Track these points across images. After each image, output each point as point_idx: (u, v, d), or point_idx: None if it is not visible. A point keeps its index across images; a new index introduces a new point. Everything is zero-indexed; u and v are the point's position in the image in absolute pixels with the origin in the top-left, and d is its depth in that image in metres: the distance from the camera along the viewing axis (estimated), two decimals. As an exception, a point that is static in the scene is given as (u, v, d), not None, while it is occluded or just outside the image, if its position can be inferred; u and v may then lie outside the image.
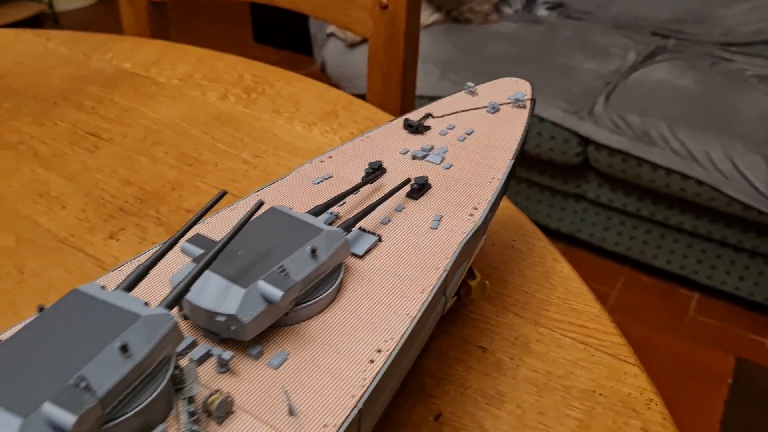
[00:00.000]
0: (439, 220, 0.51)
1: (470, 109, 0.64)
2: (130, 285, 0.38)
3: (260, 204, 0.41)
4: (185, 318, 0.42)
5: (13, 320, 0.61)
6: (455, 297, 0.57)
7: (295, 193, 0.54)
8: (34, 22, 3.71)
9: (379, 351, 0.41)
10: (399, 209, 0.52)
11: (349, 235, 0.48)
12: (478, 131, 0.61)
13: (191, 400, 0.37)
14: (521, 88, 0.66)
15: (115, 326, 0.34)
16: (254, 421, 0.37)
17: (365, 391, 0.39)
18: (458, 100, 0.66)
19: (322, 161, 0.58)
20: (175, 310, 0.43)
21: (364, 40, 2.27)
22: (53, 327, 0.34)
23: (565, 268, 0.67)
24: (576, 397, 0.54)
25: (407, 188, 0.54)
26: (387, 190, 0.53)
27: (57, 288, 0.64)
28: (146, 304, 0.36)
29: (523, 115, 0.63)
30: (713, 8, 2.29)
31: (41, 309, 0.36)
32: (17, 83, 0.99)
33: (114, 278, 0.45)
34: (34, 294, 0.64)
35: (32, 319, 0.35)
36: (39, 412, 0.30)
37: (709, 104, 1.89)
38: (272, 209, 0.46)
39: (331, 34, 2.38)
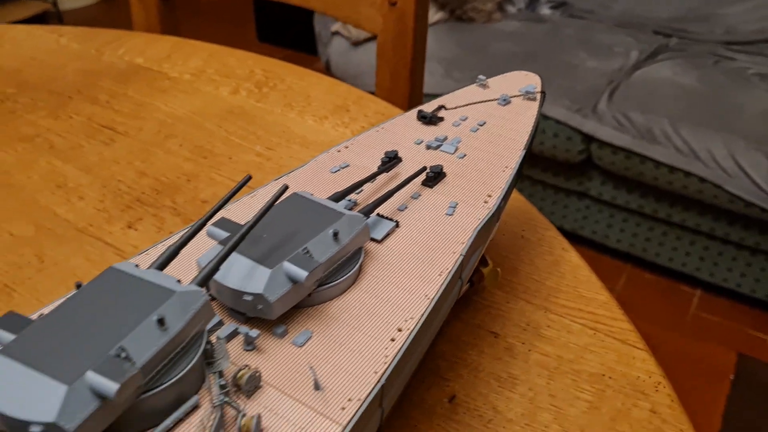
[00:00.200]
0: (455, 207, 0.52)
1: (482, 102, 0.65)
2: (162, 264, 0.40)
3: (285, 188, 0.43)
4: (212, 299, 0.44)
5: (36, 306, 0.63)
6: (468, 284, 0.59)
7: (313, 181, 0.56)
8: (38, 21, 3.73)
9: (400, 330, 0.43)
10: (415, 197, 0.54)
11: (368, 221, 0.50)
12: (490, 122, 0.62)
13: (221, 374, 0.38)
14: (531, 81, 0.68)
15: (152, 301, 0.35)
16: (281, 395, 0.38)
17: (387, 368, 0.40)
18: (470, 92, 0.67)
19: (338, 151, 0.59)
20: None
21: (369, 39, 2.29)
22: (92, 302, 0.35)
23: (573, 257, 0.68)
24: (586, 381, 0.56)
25: (423, 176, 0.55)
26: (403, 178, 0.54)
27: (78, 276, 0.65)
28: (179, 281, 0.37)
29: (533, 108, 0.65)
30: (715, 7, 2.31)
31: (79, 285, 0.37)
32: (32, 78, 1.00)
33: (141, 261, 0.47)
34: (55, 282, 0.65)
35: (71, 294, 0.36)
36: (83, 380, 0.31)
37: (711, 102, 1.90)
38: (295, 195, 0.48)
39: (336, 33, 2.39)
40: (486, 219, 0.51)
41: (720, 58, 2.12)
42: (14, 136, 0.87)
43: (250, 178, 0.45)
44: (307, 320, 0.43)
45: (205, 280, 0.39)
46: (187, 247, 0.45)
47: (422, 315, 0.44)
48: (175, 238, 0.49)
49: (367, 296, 0.45)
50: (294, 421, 0.37)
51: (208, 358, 0.38)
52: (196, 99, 0.95)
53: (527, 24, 2.37)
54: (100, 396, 0.31)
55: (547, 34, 2.31)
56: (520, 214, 0.73)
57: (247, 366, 0.38)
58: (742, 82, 1.96)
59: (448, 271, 0.47)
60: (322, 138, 0.86)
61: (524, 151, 0.59)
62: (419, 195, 0.54)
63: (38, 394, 0.31)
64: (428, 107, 0.64)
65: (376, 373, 0.40)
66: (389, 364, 0.40)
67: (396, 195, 0.53)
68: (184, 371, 0.36)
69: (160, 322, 0.34)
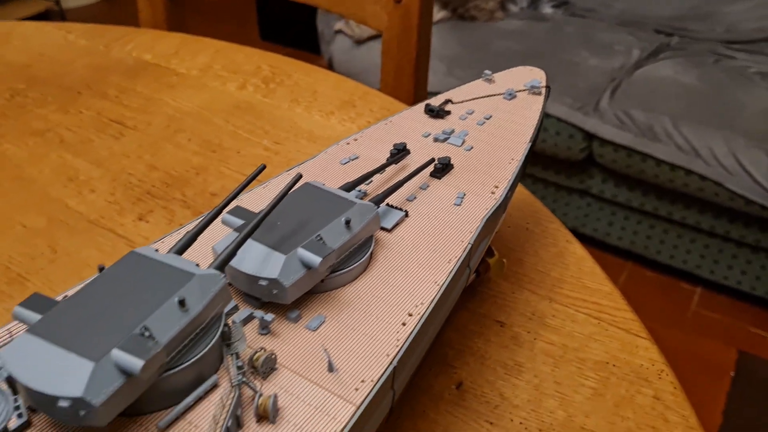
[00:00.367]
0: (462, 198, 0.54)
1: (488, 96, 0.67)
2: (181, 249, 0.41)
3: (299, 177, 0.44)
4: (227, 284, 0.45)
5: (50, 296, 0.64)
6: (475, 274, 0.60)
7: (324, 173, 0.57)
8: (41, 19, 3.73)
9: (410, 315, 0.44)
10: (423, 187, 0.55)
11: (378, 210, 0.51)
12: (497, 116, 0.64)
13: (238, 356, 0.39)
14: (536, 76, 0.69)
15: (173, 283, 0.37)
16: (296, 377, 0.40)
17: (399, 351, 0.41)
18: (476, 87, 0.68)
19: (348, 143, 0.60)
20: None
21: (372, 37, 2.30)
22: (114, 284, 0.37)
23: (578, 249, 0.69)
24: (591, 368, 0.57)
25: (431, 168, 0.56)
26: (411, 169, 0.56)
27: (91, 266, 0.67)
28: (197, 265, 0.39)
29: (538, 102, 0.66)
30: (716, 6, 2.32)
31: (101, 269, 0.38)
32: (41, 73, 1.01)
33: (157, 249, 0.48)
34: (68, 272, 0.66)
35: (94, 277, 0.38)
36: (108, 358, 0.32)
37: (712, 101, 1.91)
38: (307, 184, 0.49)
39: (339, 31, 2.40)
40: (493, 209, 0.52)
41: (721, 56, 2.13)
42: (25, 130, 0.88)
43: (264, 167, 0.46)
44: (320, 305, 0.44)
45: (223, 264, 0.40)
46: (202, 234, 0.47)
47: (432, 301, 0.45)
48: (190, 226, 0.50)
49: (378, 283, 0.46)
50: (309, 401, 0.38)
51: (226, 340, 0.39)
52: (204, 94, 0.96)
53: (529, 22, 2.39)
54: (125, 373, 0.32)
55: (548, 32, 2.32)
56: (525, 206, 0.75)
57: (262, 348, 0.40)
58: (742, 81, 1.97)
59: (456, 258, 0.48)
60: (329, 133, 0.87)
61: (530, 144, 0.60)
62: (428, 186, 0.55)
63: (66, 371, 0.32)
64: (435, 101, 0.66)
65: (388, 355, 0.41)
66: (400, 347, 0.42)
67: (405, 186, 0.54)
68: (204, 351, 0.37)
69: (181, 303, 0.36)
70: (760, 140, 1.78)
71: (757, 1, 2.26)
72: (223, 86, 0.98)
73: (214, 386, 0.38)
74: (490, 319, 0.61)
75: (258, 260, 0.42)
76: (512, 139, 0.61)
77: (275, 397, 0.37)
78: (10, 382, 0.33)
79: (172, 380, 0.36)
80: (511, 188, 0.57)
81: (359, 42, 2.34)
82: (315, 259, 0.42)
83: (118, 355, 0.32)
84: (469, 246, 0.49)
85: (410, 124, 0.63)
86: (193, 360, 0.36)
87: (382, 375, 0.40)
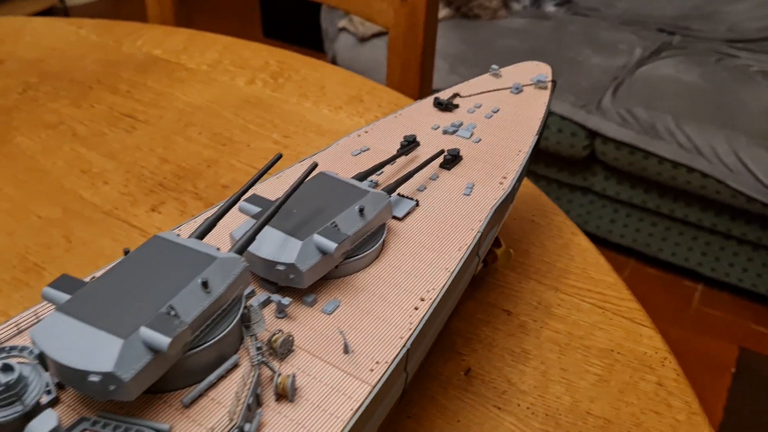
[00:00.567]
0: (471, 188, 0.55)
1: (495, 90, 0.68)
2: (202, 234, 0.43)
3: (315, 165, 0.46)
4: (245, 269, 0.46)
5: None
6: (482, 264, 0.61)
7: (336, 163, 0.58)
8: (45, 16, 3.75)
9: (422, 300, 0.45)
10: (433, 178, 0.56)
11: (390, 200, 0.52)
12: (504, 109, 0.65)
13: (256, 338, 0.41)
14: (542, 70, 0.70)
15: (195, 266, 0.38)
16: (313, 358, 0.41)
17: (412, 333, 0.43)
18: (483, 81, 0.70)
19: (359, 135, 0.62)
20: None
21: (376, 35, 2.31)
22: (140, 266, 0.38)
23: (582, 241, 0.70)
24: (596, 356, 0.58)
25: (440, 159, 0.58)
26: (421, 161, 0.57)
27: (106, 255, 0.68)
28: (218, 249, 0.40)
29: (544, 96, 0.67)
30: (719, 5, 2.33)
31: (126, 252, 0.40)
32: (53, 68, 1.03)
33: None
34: (83, 260, 0.68)
35: (120, 260, 0.39)
36: (137, 335, 0.34)
37: (714, 99, 1.92)
38: (321, 174, 0.50)
39: (343, 29, 2.42)
40: (502, 199, 0.54)
41: (723, 55, 2.14)
42: (38, 123, 0.89)
43: (281, 156, 0.47)
44: (334, 290, 0.46)
45: (243, 249, 0.42)
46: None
47: (443, 286, 0.46)
48: (206, 215, 0.51)
49: (391, 269, 0.48)
50: (326, 381, 0.40)
51: (245, 321, 0.40)
52: (214, 89, 0.97)
53: (532, 21, 2.40)
54: (153, 349, 0.34)
55: (551, 31, 2.33)
56: (531, 200, 0.76)
57: (280, 331, 0.41)
58: (744, 80, 1.98)
59: (466, 246, 0.49)
60: (338, 127, 0.88)
61: (536, 137, 0.62)
62: (437, 176, 0.57)
63: (96, 347, 0.33)
64: (444, 95, 0.67)
65: (401, 338, 0.42)
66: (413, 330, 0.43)
67: (415, 176, 0.55)
68: (225, 332, 0.38)
69: (204, 284, 0.37)
70: (761, 138, 1.79)
71: (759, 1, 2.27)
72: (232, 81, 0.99)
73: (235, 366, 0.39)
74: (497, 308, 0.62)
75: (275, 246, 0.44)
76: (519, 131, 0.62)
77: (294, 376, 0.38)
78: (42, 359, 0.35)
79: (195, 359, 0.37)
80: (519, 179, 0.58)
81: (363, 39, 2.35)
82: (330, 245, 0.43)
83: (146, 332, 0.34)
84: (479, 234, 0.51)
85: (420, 116, 0.64)
86: (215, 340, 0.37)
87: (396, 357, 0.41)
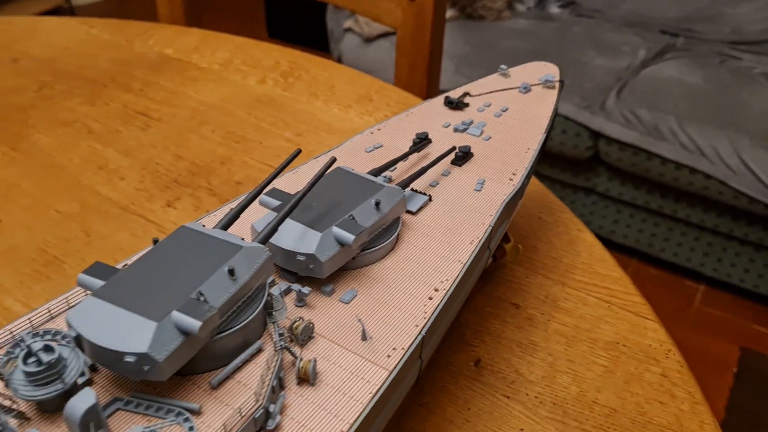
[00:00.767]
0: (482, 184, 0.57)
1: (504, 89, 0.70)
2: (226, 225, 0.44)
3: (333, 160, 0.47)
4: (266, 260, 0.48)
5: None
6: (491, 259, 0.63)
7: (351, 159, 0.60)
8: (51, 15, 3.77)
9: (437, 290, 0.47)
10: (445, 174, 0.58)
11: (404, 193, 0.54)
12: (513, 108, 0.67)
13: (278, 325, 0.42)
14: (550, 70, 0.72)
15: (222, 255, 0.40)
16: (332, 345, 0.43)
17: (427, 322, 0.45)
18: (492, 81, 0.72)
19: (372, 132, 0.64)
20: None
21: (381, 35, 2.33)
22: (169, 255, 0.40)
23: (588, 237, 0.72)
24: (602, 348, 0.60)
25: (452, 156, 0.60)
26: (433, 157, 0.59)
27: (124, 249, 0.70)
28: (242, 239, 0.42)
29: (552, 95, 0.69)
30: (722, 7, 2.35)
31: (155, 241, 0.42)
32: (67, 67, 1.05)
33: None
34: (102, 254, 0.69)
35: (150, 248, 0.41)
36: (169, 319, 0.35)
37: (717, 100, 1.94)
38: (338, 169, 0.52)
39: (349, 29, 2.43)
40: (511, 194, 0.56)
41: (726, 57, 2.16)
42: (54, 120, 0.91)
43: (300, 151, 0.49)
44: (352, 281, 0.48)
45: (265, 239, 0.44)
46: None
47: (456, 277, 0.48)
48: (224, 210, 0.53)
49: (406, 261, 0.49)
50: (345, 366, 0.41)
51: (268, 309, 0.42)
52: (226, 88, 0.99)
53: (536, 22, 2.41)
54: (184, 332, 0.35)
55: (555, 32, 2.35)
56: (538, 197, 0.78)
57: (301, 318, 0.43)
58: (747, 81, 2.00)
59: (478, 239, 0.51)
60: (348, 125, 0.90)
61: (544, 135, 0.63)
62: (449, 172, 0.58)
63: (131, 330, 0.35)
64: (454, 94, 0.69)
65: (416, 326, 0.44)
66: (428, 319, 0.45)
67: (428, 172, 0.57)
68: (250, 318, 0.40)
69: (231, 272, 0.39)
70: (764, 140, 1.81)
71: (762, 3, 2.28)
72: (244, 80, 1.01)
73: (259, 351, 0.41)
74: (506, 302, 0.64)
75: (295, 237, 0.46)
76: (528, 129, 0.64)
77: (315, 361, 0.40)
78: (78, 342, 0.37)
79: (222, 343, 0.39)
80: (528, 176, 0.60)
81: (368, 40, 2.37)
82: (349, 237, 0.45)
83: (177, 316, 0.35)
84: (490, 228, 0.52)
85: (431, 115, 0.66)
86: (240, 325, 0.39)
87: (411, 343, 0.43)
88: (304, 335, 0.43)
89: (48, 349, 0.34)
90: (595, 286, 0.66)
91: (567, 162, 2.12)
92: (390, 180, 0.57)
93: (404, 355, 0.42)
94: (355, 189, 0.50)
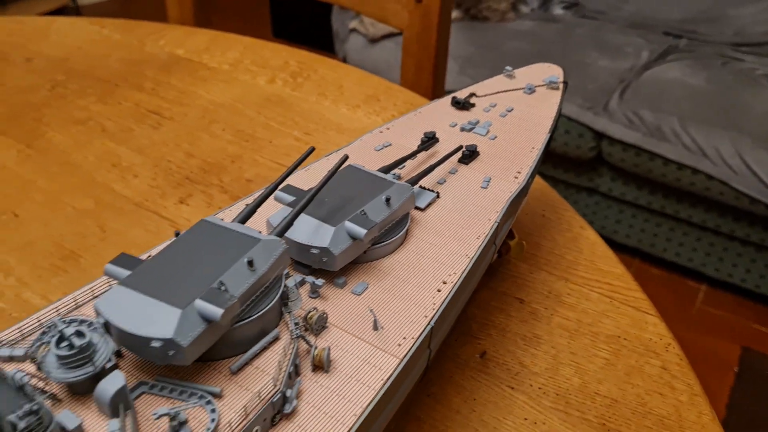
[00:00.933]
0: (488, 182, 0.59)
1: (509, 90, 0.72)
2: (243, 219, 0.46)
3: (346, 157, 0.49)
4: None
5: (102, 271, 0.69)
6: (497, 255, 0.65)
7: (361, 157, 0.62)
8: (57, 15, 3.79)
9: (445, 283, 0.49)
10: (452, 172, 0.60)
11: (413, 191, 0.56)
12: (518, 109, 0.69)
13: (293, 315, 0.44)
14: (554, 72, 0.74)
15: (241, 247, 0.42)
16: (345, 334, 0.45)
17: (435, 313, 0.46)
18: (498, 82, 0.73)
19: (381, 131, 0.65)
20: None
21: (386, 36, 2.35)
22: (190, 247, 0.42)
23: (591, 235, 0.74)
24: (603, 341, 0.62)
25: (459, 154, 0.61)
26: (441, 156, 0.61)
27: (139, 245, 0.72)
28: (260, 232, 0.44)
29: (556, 96, 0.71)
30: (725, 9, 2.36)
31: (177, 234, 0.43)
32: (79, 66, 1.07)
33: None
34: (117, 249, 0.71)
35: (171, 241, 0.43)
36: (192, 306, 0.37)
37: (719, 102, 1.96)
38: (350, 166, 0.54)
39: (354, 30, 2.45)
40: (516, 192, 0.57)
41: (729, 59, 2.18)
42: (68, 119, 0.93)
43: (313, 149, 0.51)
44: (363, 274, 0.49)
45: (281, 233, 0.45)
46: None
47: (464, 271, 0.50)
48: (242, 203, 0.55)
49: (415, 255, 0.51)
50: (358, 355, 0.43)
51: (284, 299, 0.44)
52: (235, 87, 1.01)
53: (540, 24, 2.43)
54: (207, 319, 0.37)
55: (559, 33, 2.36)
56: (541, 195, 0.79)
57: (315, 308, 0.45)
58: (750, 83, 2.01)
59: (484, 235, 0.53)
60: (356, 125, 0.92)
61: (549, 135, 0.65)
62: (456, 171, 0.60)
63: (156, 317, 0.37)
64: (461, 94, 0.71)
65: (426, 317, 0.46)
66: (437, 310, 0.47)
67: (436, 170, 0.59)
68: (268, 307, 0.42)
69: (250, 263, 0.41)
70: (765, 141, 1.83)
71: (765, 5, 2.30)
72: (253, 80, 1.03)
73: (276, 339, 0.43)
74: (510, 297, 0.66)
75: (309, 231, 0.47)
76: (533, 129, 0.66)
77: (329, 349, 0.42)
78: (106, 328, 0.38)
79: (241, 331, 0.41)
80: (532, 175, 0.62)
81: (373, 41, 2.39)
82: (360, 231, 0.47)
83: (201, 304, 0.37)
84: (496, 224, 0.54)
85: (438, 114, 0.68)
86: (258, 314, 0.41)
87: (421, 333, 0.45)
88: (318, 325, 0.44)
89: (79, 334, 0.36)
90: (597, 282, 0.68)
91: (570, 162, 2.14)
92: (399, 177, 0.59)
93: (414, 344, 0.44)
94: (366, 186, 0.52)
